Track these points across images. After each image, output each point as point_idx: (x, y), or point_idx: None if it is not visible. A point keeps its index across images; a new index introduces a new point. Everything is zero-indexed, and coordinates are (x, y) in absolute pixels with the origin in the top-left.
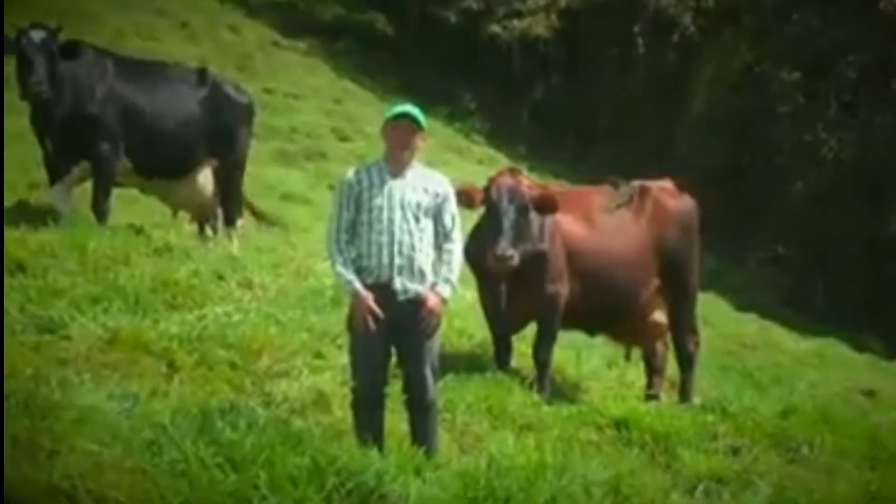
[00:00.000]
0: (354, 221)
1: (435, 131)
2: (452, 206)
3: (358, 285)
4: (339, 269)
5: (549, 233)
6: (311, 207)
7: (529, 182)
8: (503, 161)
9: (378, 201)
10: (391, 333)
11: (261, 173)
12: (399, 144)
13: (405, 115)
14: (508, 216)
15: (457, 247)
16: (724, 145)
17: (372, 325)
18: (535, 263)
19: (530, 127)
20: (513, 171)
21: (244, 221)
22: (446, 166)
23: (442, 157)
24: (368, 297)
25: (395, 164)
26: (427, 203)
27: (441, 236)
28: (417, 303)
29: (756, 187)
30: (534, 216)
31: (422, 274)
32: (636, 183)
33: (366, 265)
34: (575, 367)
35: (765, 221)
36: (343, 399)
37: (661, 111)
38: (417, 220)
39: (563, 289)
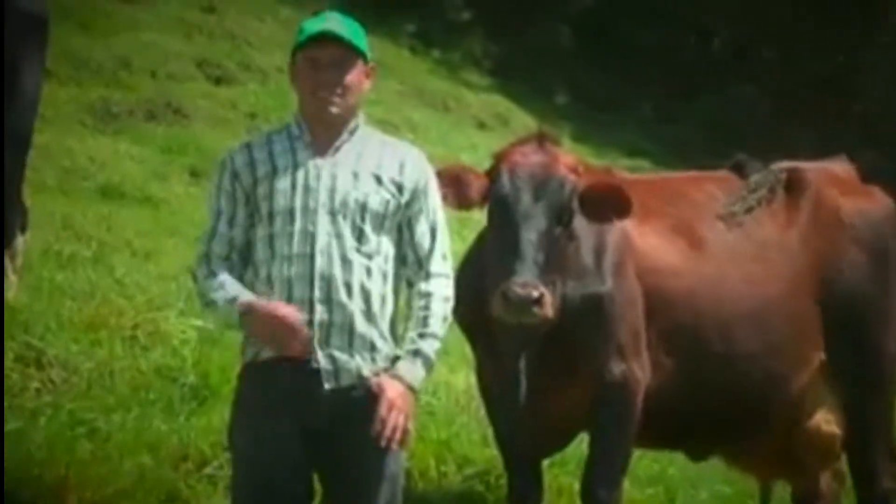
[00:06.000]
0: (248, 238)
1: (389, 64)
2: (433, 208)
3: (249, 296)
4: (212, 290)
5: (615, 260)
6: (157, 211)
7: (573, 161)
8: (524, 122)
9: (286, 200)
10: (311, 455)
11: (60, 145)
12: (322, 92)
13: (330, 37)
14: (534, 225)
15: (441, 286)
16: None
17: (299, 348)
18: (588, 319)
19: (576, 56)
20: (542, 141)
21: (28, 239)
22: (413, 132)
23: (402, 114)
24: (287, 310)
25: (319, 129)
26: (381, 202)
27: (411, 265)
28: (361, 396)
29: None
30: (583, 227)
31: (370, 339)
32: (782, 165)
33: None
34: None
35: None
36: None
37: (829, 27)
38: (361, 235)
39: (640, 368)
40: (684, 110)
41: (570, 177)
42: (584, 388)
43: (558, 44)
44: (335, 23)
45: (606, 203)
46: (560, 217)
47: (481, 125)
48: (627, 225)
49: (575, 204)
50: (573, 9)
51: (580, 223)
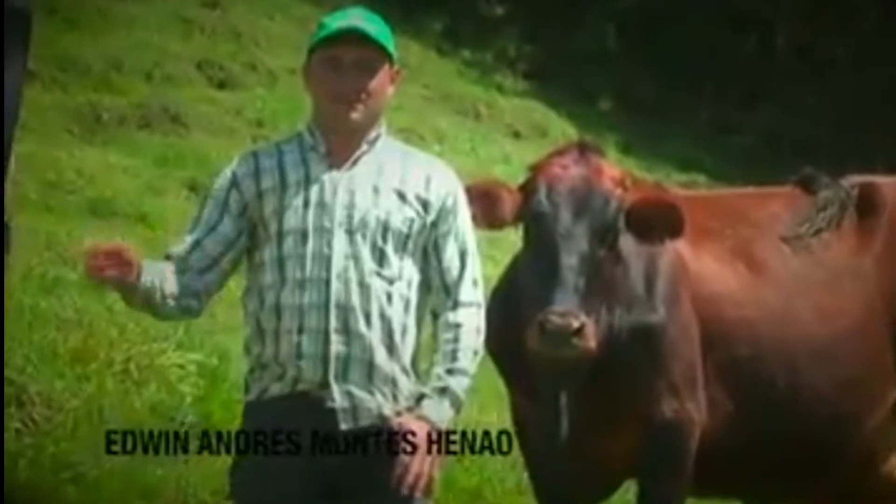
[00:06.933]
0: (253, 262)
1: (414, 66)
2: (463, 229)
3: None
4: None
5: (667, 286)
6: (152, 230)
7: (619, 174)
8: (564, 131)
9: (298, 218)
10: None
11: (44, 156)
12: (341, 96)
13: (355, 35)
14: (574, 247)
15: (472, 316)
16: None
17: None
18: (637, 352)
19: (622, 57)
20: (584, 151)
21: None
22: (440, 142)
23: (428, 122)
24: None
25: (336, 139)
26: (404, 221)
27: (438, 293)
28: (381, 438)
29: None
30: (631, 249)
31: (391, 374)
32: (854, 180)
33: (269, 356)
34: None
35: None
36: None
37: None
38: (382, 257)
39: (695, 408)
40: (744, 118)
41: (616, 191)
42: (632, 429)
43: (602, 44)
44: (360, 19)
45: (656, 221)
46: (604, 237)
47: (516, 134)
48: (681, 247)
49: (621, 222)
50: (619, 5)
51: (627, 244)
